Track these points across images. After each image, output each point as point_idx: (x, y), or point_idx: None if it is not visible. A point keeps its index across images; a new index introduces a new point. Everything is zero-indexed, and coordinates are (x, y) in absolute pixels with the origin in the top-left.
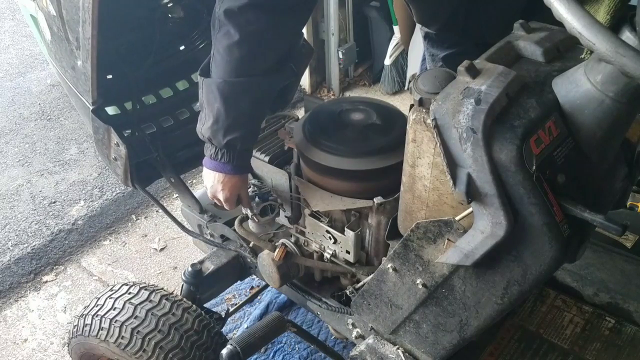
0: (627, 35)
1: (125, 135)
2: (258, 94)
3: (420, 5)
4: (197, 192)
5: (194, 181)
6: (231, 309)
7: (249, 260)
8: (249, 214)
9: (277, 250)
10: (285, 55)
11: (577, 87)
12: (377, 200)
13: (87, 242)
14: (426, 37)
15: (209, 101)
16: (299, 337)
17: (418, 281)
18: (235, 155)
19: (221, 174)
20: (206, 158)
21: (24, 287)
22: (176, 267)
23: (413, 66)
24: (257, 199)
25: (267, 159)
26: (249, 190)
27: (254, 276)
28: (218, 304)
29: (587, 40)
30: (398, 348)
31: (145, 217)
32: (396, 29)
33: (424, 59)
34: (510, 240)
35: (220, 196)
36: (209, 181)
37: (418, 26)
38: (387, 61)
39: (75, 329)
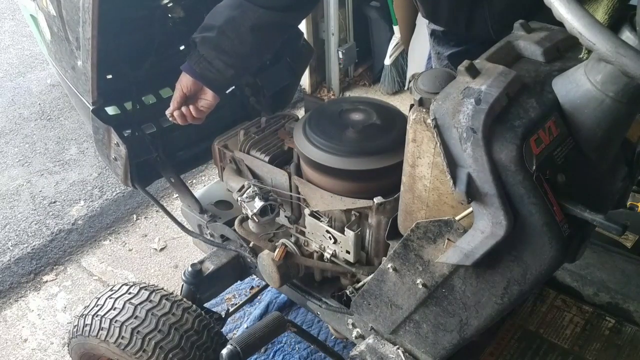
0: (627, 35)
1: (125, 135)
2: (254, 22)
3: None
4: (197, 192)
5: (194, 181)
6: (231, 309)
7: (249, 260)
8: (249, 213)
9: (277, 250)
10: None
11: (577, 87)
12: (377, 200)
13: (87, 242)
14: (432, 34)
15: (213, 12)
16: (299, 337)
17: (418, 281)
18: (207, 65)
19: (186, 73)
20: None
21: (24, 287)
22: (177, 266)
23: (413, 66)
24: (257, 199)
25: (267, 159)
26: (249, 190)
27: (254, 276)
28: (218, 304)
29: (588, 40)
30: (398, 348)
31: (145, 217)
32: (396, 29)
33: (429, 58)
34: (510, 240)
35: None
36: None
37: (421, 25)
38: (387, 61)
39: (75, 329)
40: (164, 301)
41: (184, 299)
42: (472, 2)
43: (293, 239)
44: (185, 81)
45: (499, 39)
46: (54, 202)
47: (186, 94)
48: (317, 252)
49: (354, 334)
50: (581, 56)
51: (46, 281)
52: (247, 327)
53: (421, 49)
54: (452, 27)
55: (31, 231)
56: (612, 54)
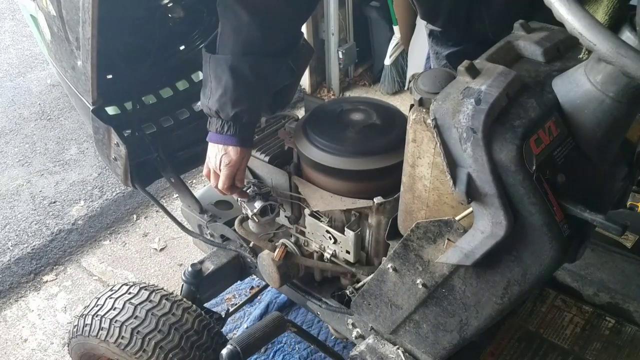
0: (627, 36)
1: (125, 135)
2: (266, 72)
3: None
4: (197, 192)
5: (194, 181)
6: (231, 309)
7: (249, 260)
8: (249, 213)
9: (277, 250)
10: (293, 38)
11: (577, 87)
12: (377, 200)
13: (87, 242)
14: (430, 34)
15: (216, 75)
16: (299, 337)
17: (418, 281)
18: (241, 128)
19: (226, 146)
20: (211, 133)
21: (24, 287)
22: (182, 264)
23: (413, 66)
24: (257, 199)
25: (267, 159)
26: (249, 190)
27: (254, 276)
28: (218, 304)
29: (588, 40)
30: (398, 348)
31: (145, 217)
32: (396, 29)
33: (428, 57)
34: (510, 240)
35: (223, 170)
36: (212, 154)
37: (421, 25)
38: (387, 61)
39: (75, 329)
40: (164, 301)
41: (184, 299)
42: (469, 2)
43: (293, 239)
44: (241, 156)
45: (497, 39)
46: (54, 202)
47: (238, 167)
48: (317, 252)
49: (354, 334)
50: (581, 56)
51: (46, 281)
52: (247, 327)
53: (421, 49)
54: (450, 28)
55: (31, 231)
56: (612, 54)
